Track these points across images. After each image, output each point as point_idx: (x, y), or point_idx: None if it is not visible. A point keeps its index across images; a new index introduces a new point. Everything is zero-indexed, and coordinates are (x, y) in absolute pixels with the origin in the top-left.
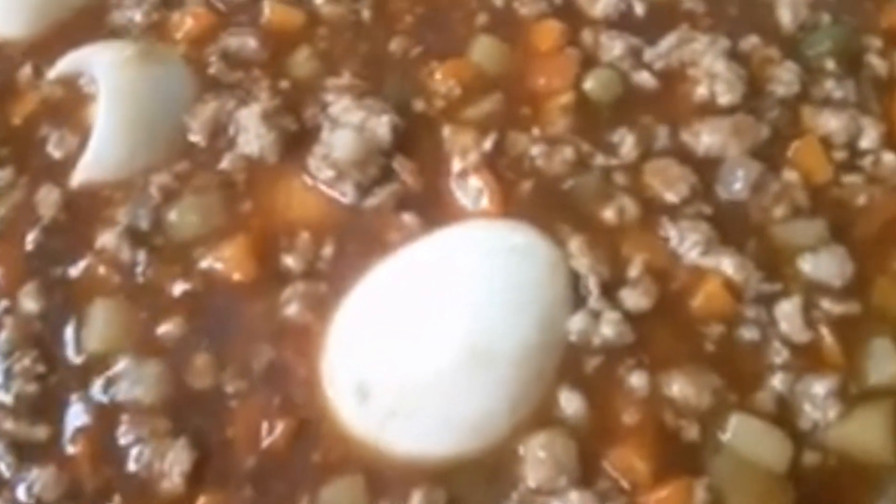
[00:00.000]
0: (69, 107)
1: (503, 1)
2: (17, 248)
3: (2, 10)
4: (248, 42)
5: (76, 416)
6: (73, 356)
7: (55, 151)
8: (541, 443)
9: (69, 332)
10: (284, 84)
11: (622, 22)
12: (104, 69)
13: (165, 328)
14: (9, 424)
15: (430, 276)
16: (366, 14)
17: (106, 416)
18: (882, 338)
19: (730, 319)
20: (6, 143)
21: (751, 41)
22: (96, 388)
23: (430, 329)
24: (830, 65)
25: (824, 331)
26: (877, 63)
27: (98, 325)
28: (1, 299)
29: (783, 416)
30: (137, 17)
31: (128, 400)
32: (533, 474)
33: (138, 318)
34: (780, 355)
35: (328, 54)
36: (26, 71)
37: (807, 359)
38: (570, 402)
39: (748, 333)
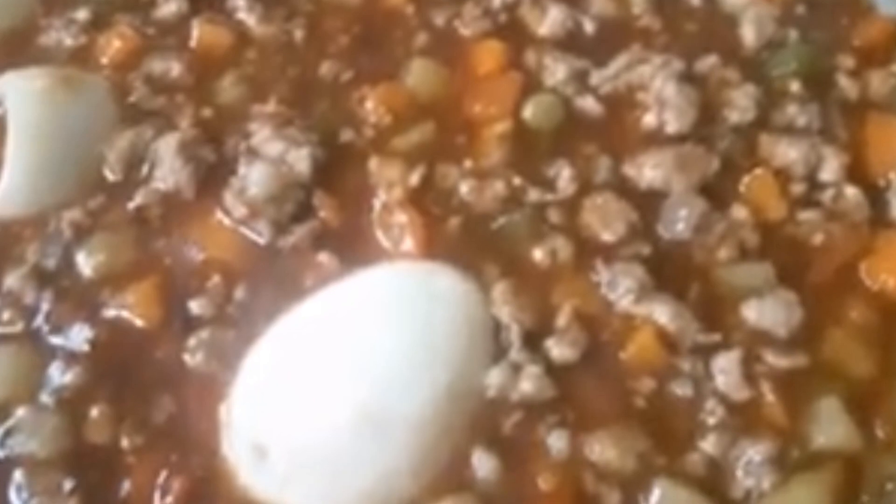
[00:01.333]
0: None
1: (444, 20)
2: None
3: None
4: (172, 66)
5: None
6: None
7: None
8: None
9: None
10: (207, 112)
11: (570, 41)
12: (17, 99)
13: (66, 377)
14: None
15: (338, 327)
16: (298, 34)
17: (1, 471)
18: (830, 397)
19: (662, 373)
20: None
21: (708, 62)
22: None
23: (328, 387)
24: (795, 87)
25: (766, 387)
26: (846, 84)
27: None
28: None
29: (713, 482)
30: (66, 39)
31: (24, 453)
32: None
33: (38, 367)
34: (714, 414)
35: (255, 79)
36: None
37: (744, 419)
38: (483, 464)
39: (681, 389)
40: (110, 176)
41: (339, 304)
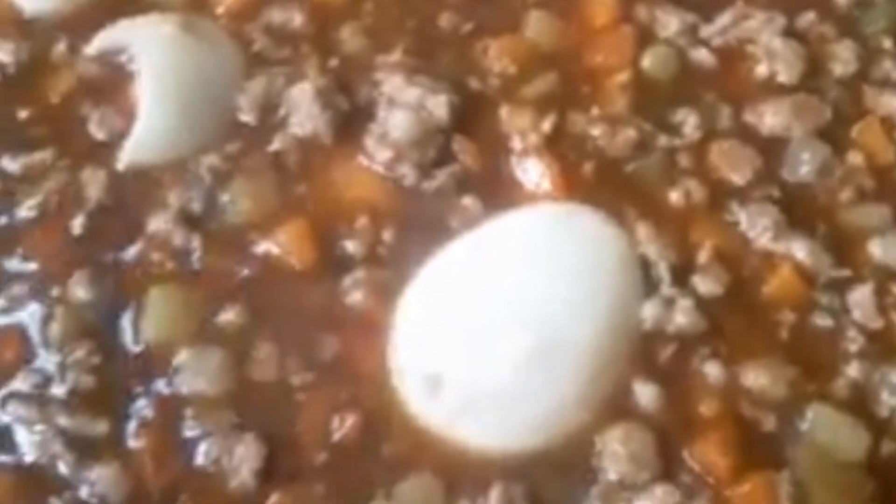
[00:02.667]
0: (109, 85)
1: None
2: (62, 234)
3: None
4: (293, 17)
5: (138, 408)
6: (131, 346)
7: (98, 132)
8: (618, 436)
9: (125, 321)
10: (334, 62)
11: None
12: (146, 45)
13: (225, 316)
14: (65, 420)
15: (497, 265)
16: None
17: (169, 409)
18: None
19: (802, 306)
20: (43, 122)
21: (807, 18)
22: (158, 380)
23: (500, 321)
24: (888, 43)
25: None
26: None
27: (155, 315)
28: (49, 288)
29: (860, 404)
30: None
31: (191, 392)
32: (613, 468)
33: (196, 307)
34: (855, 342)
35: (376, 30)
36: (60, 47)
37: (882, 345)
38: (646, 393)
39: (821, 320)
40: (246, 121)
41: (493, 242)
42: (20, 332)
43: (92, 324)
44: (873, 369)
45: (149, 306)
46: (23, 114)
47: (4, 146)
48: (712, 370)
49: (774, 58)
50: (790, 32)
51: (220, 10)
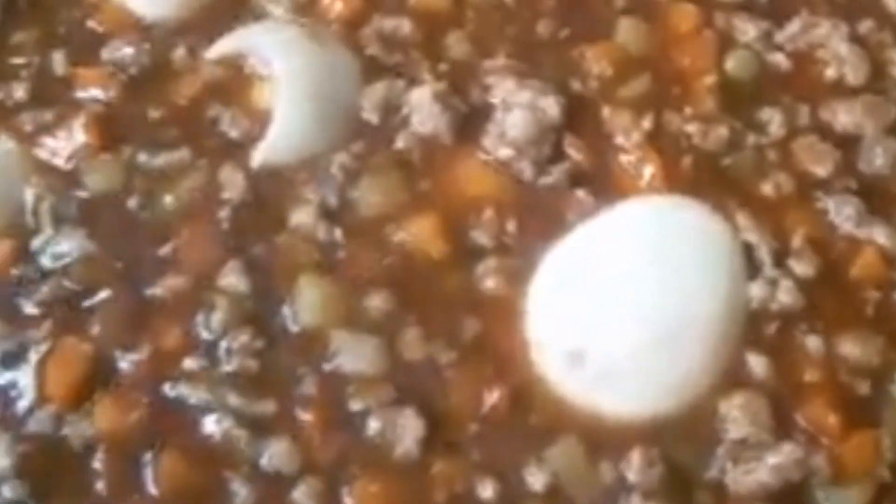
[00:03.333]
0: (235, 87)
1: None
2: (210, 227)
3: None
4: (402, 24)
5: (303, 387)
6: (290, 331)
7: (230, 131)
8: (737, 402)
9: (281, 307)
10: (443, 66)
11: (748, 5)
12: (275, 50)
13: (372, 302)
14: (235, 400)
15: (618, 253)
16: None
17: (332, 387)
18: None
19: (884, 285)
20: (175, 124)
21: (866, 25)
22: (318, 361)
23: (632, 301)
24: None
25: None
26: None
27: (308, 302)
28: (205, 279)
29: None
30: None
31: (351, 371)
32: (735, 430)
33: (344, 293)
34: None
35: (479, 36)
36: (180, 52)
37: None
38: (758, 364)
39: None
40: (369, 121)
41: (609, 234)
42: (180, 321)
43: (251, 311)
44: None
45: (301, 294)
46: (154, 114)
47: (140, 144)
48: (812, 342)
49: (842, 61)
50: (853, 38)
51: (331, 16)
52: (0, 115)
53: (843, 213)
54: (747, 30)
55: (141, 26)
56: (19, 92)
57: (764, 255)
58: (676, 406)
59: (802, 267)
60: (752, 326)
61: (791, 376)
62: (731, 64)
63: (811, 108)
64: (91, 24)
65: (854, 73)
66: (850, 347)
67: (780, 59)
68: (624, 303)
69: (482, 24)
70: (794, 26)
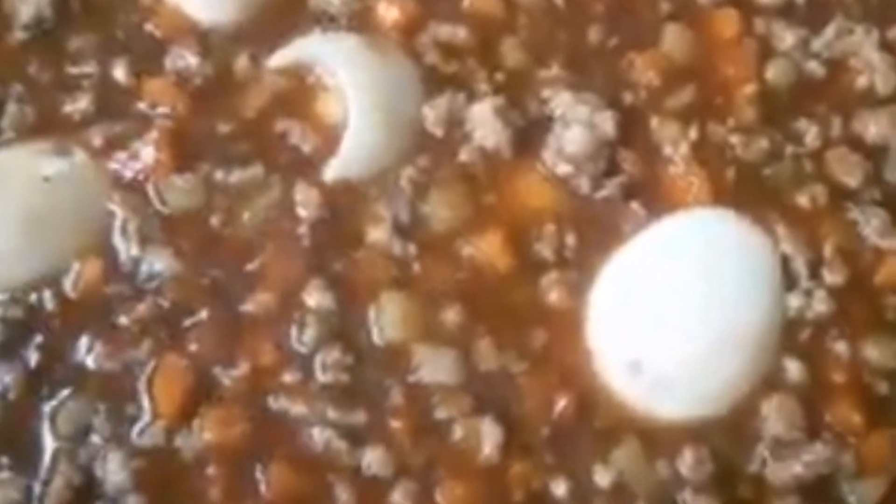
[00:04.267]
0: (300, 99)
1: None
2: (290, 244)
3: None
4: (457, 31)
5: (391, 398)
6: (376, 345)
7: (302, 146)
8: (775, 405)
9: (366, 322)
10: (500, 76)
11: (787, 10)
12: (341, 61)
13: (447, 315)
14: (332, 412)
15: (670, 264)
16: (559, 0)
17: (418, 397)
18: None
19: None
20: (245, 138)
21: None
22: (403, 373)
23: (683, 313)
24: None
25: None
26: None
27: (391, 318)
28: (290, 295)
29: None
30: (341, 4)
31: (433, 382)
32: (773, 429)
33: (423, 308)
34: None
35: (532, 44)
36: (242, 61)
37: None
38: (793, 369)
39: None
40: (433, 133)
41: (661, 246)
42: (273, 337)
43: (338, 327)
44: None
45: (383, 310)
46: (224, 128)
47: (214, 161)
48: (840, 347)
49: (873, 70)
50: (883, 44)
51: (388, 24)
52: (68, 128)
53: (870, 224)
54: (786, 37)
55: (198, 31)
56: (84, 103)
57: (800, 266)
58: (722, 409)
59: (833, 276)
60: (788, 333)
61: (821, 379)
62: (771, 73)
63: (843, 119)
64: (149, 27)
65: (883, 83)
66: (872, 350)
67: (815, 68)
68: (674, 315)
69: (535, 30)
70: (829, 33)
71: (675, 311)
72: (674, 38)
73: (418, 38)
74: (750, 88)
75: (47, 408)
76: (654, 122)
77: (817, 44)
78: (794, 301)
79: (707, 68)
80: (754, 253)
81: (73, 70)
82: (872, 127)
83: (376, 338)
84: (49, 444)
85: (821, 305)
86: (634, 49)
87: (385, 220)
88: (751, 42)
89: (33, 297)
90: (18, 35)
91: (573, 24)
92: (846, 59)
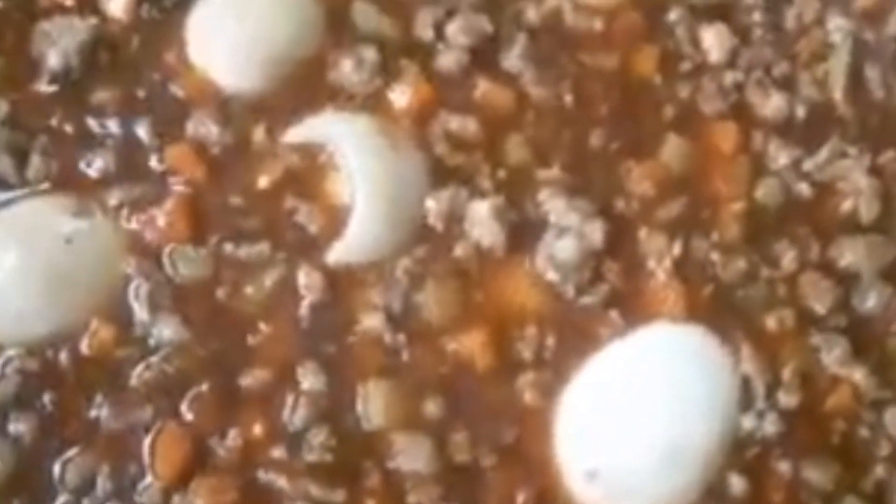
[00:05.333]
0: (310, 177)
1: (688, 93)
2: (289, 325)
3: (227, 61)
4: (468, 124)
5: (369, 481)
6: (360, 429)
7: (308, 226)
8: None
9: (353, 407)
10: (502, 173)
11: (786, 126)
12: (352, 145)
13: (428, 407)
14: (314, 490)
15: (637, 376)
16: (568, 98)
17: (393, 483)
18: None
19: (851, 418)
20: (255, 213)
21: (888, 155)
22: (383, 458)
23: (643, 425)
24: None
25: None
26: None
27: (376, 407)
28: (286, 373)
29: (881, 498)
30: (358, 81)
31: (409, 470)
32: None
33: (407, 398)
34: (884, 450)
35: (537, 142)
36: (259, 133)
37: None
38: (737, 484)
39: (863, 431)
40: (433, 226)
41: (635, 355)
42: (266, 412)
43: (327, 409)
44: (894, 473)
45: (370, 397)
46: (236, 201)
47: (224, 234)
48: (784, 467)
49: (859, 196)
50: (873, 169)
51: (401, 109)
52: (89, 185)
53: (832, 352)
54: (780, 157)
55: (220, 98)
56: (106, 161)
57: (758, 387)
58: None
59: (788, 398)
60: (736, 450)
61: (761, 496)
62: (761, 192)
63: (822, 244)
64: (173, 88)
65: (867, 209)
66: (813, 472)
67: (803, 189)
68: (635, 427)
69: (540, 127)
70: (823, 154)
71: (636, 423)
72: (673, 149)
73: (430, 126)
74: (738, 206)
75: (58, 459)
76: (643, 232)
77: (809, 164)
78: (747, 422)
79: (700, 181)
80: (717, 372)
81: (97, 125)
82: (849, 254)
83: (361, 423)
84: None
85: (771, 427)
86: (634, 156)
87: (379, 309)
88: (745, 159)
89: (49, 352)
90: (45, 85)
91: (578, 124)
92: (835, 181)
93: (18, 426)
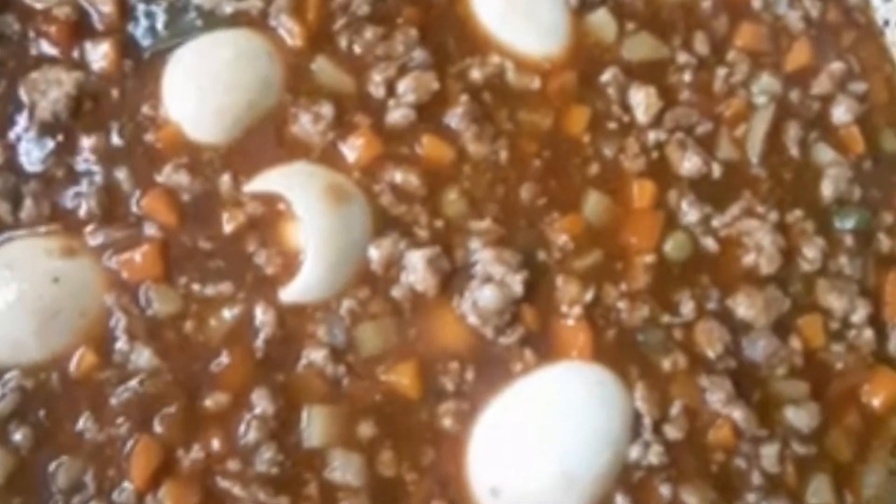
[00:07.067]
0: (270, 224)
1: (613, 152)
2: (246, 356)
3: (197, 114)
4: (410, 178)
5: (308, 490)
6: (302, 447)
7: (266, 268)
8: None
9: (297, 429)
10: (439, 223)
11: (701, 182)
12: (305, 202)
13: (362, 429)
14: (262, 496)
15: (542, 406)
16: (503, 155)
17: (328, 492)
18: (822, 473)
19: (730, 451)
20: (221, 256)
21: (795, 214)
22: (320, 470)
23: (540, 451)
24: (849, 241)
25: (789, 465)
26: (883, 240)
27: (317, 428)
28: (241, 398)
29: None
30: (315, 134)
31: (342, 483)
32: None
33: (343, 420)
34: (758, 479)
35: (472, 195)
36: (226, 180)
37: (773, 484)
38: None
39: (740, 462)
40: (374, 271)
41: (541, 388)
42: (225, 430)
43: (275, 429)
44: (766, 500)
45: (311, 420)
46: (205, 245)
47: (192, 274)
48: (665, 490)
49: (761, 252)
50: (779, 226)
51: (351, 160)
52: (75, 225)
53: (716, 394)
54: (690, 212)
55: (192, 147)
56: (90, 203)
57: (647, 422)
58: None
59: (674, 431)
60: (623, 474)
61: None
62: (670, 245)
63: (721, 294)
64: (148, 137)
65: (768, 264)
66: (690, 497)
67: (710, 243)
68: (538, 452)
69: (476, 181)
70: (733, 211)
71: (538, 449)
72: (594, 204)
73: (377, 178)
74: (649, 258)
75: (50, 465)
76: (560, 280)
77: (717, 221)
78: (634, 451)
79: (615, 234)
80: (612, 407)
81: (83, 170)
82: (743, 309)
83: (303, 441)
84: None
85: (655, 458)
86: (559, 209)
87: (324, 344)
88: (660, 215)
89: (43, 374)
90: (35, 131)
91: (510, 179)
92: (739, 237)
93: (17, 436)
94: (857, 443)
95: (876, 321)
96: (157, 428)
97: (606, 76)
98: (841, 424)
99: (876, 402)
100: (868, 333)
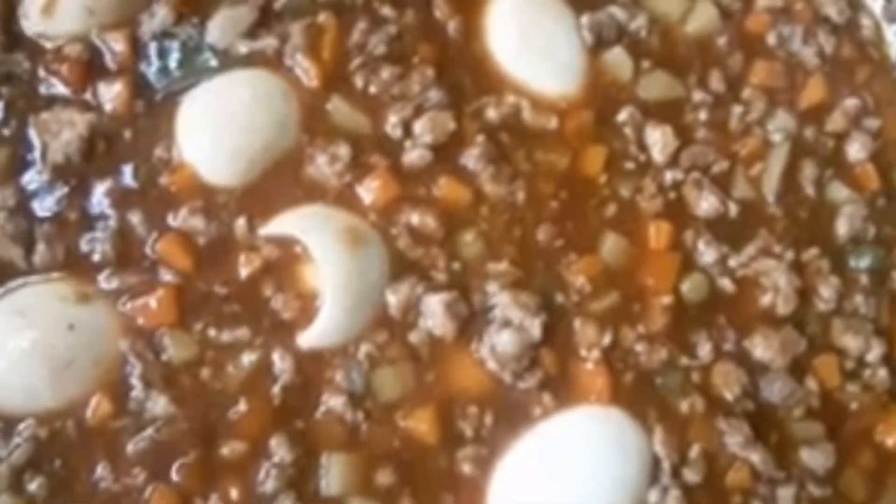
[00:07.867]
0: (286, 267)
1: (629, 192)
2: (264, 403)
3: (212, 156)
4: (427, 220)
5: None
6: (321, 495)
7: (283, 313)
8: None
9: (315, 476)
10: (456, 265)
11: (718, 222)
12: (322, 247)
13: (381, 477)
14: None
15: (560, 452)
16: (520, 196)
17: None
18: None
19: (747, 493)
20: (237, 300)
21: (811, 252)
22: None
23: (558, 497)
24: (864, 279)
25: None
26: None
27: (335, 476)
28: (259, 445)
29: None
30: (332, 176)
31: None
32: None
33: (362, 468)
34: None
35: (489, 237)
36: (241, 224)
37: None
38: None
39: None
40: (392, 315)
41: (560, 434)
42: (242, 479)
43: (293, 477)
44: None
45: (330, 468)
46: (220, 290)
47: (208, 320)
48: None
49: (778, 293)
50: (795, 265)
51: (367, 202)
52: (89, 270)
53: (734, 437)
54: (707, 252)
55: (205, 191)
56: (104, 247)
57: (665, 467)
58: None
59: (692, 475)
60: None
61: None
62: (687, 286)
63: (738, 335)
64: (163, 180)
65: (784, 305)
66: None
67: (726, 284)
68: (556, 495)
69: (494, 222)
70: (749, 251)
71: (556, 493)
72: (610, 247)
73: (394, 220)
74: (666, 300)
75: None
76: (577, 322)
77: (734, 261)
78: (653, 496)
79: (632, 276)
80: (630, 452)
81: (97, 212)
82: (760, 350)
83: (322, 489)
84: None
85: (673, 502)
86: (576, 251)
87: (342, 390)
88: (676, 256)
89: (58, 422)
90: (47, 174)
91: (527, 220)
92: (756, 277)
93: (32, 486)
94: (872, 482)
95: (890, 360)
96: (174, 477)
97: (623, 115)
98: (855, 464)
99: (890, 442)
100: (882, 373)
